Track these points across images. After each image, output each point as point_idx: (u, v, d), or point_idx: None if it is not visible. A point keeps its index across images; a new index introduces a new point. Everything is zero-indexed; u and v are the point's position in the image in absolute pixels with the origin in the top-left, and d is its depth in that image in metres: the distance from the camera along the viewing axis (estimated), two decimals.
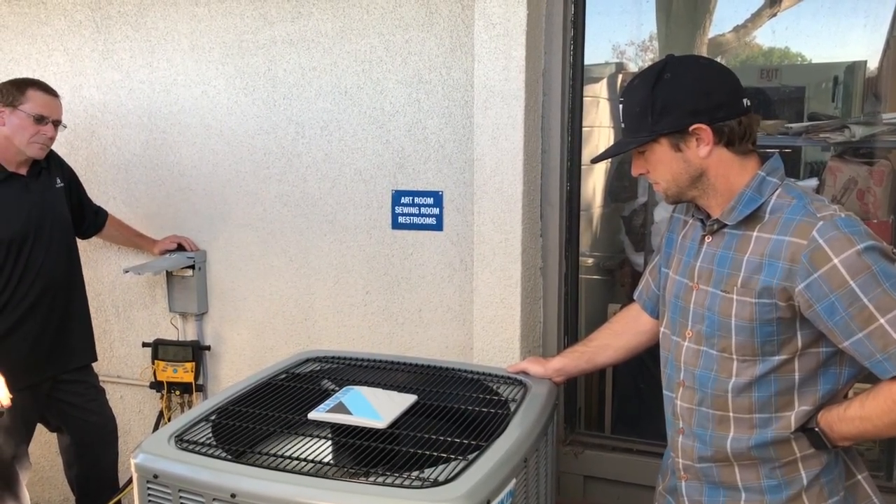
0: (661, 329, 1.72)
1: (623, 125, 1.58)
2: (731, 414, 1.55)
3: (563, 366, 1.99)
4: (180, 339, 3.09)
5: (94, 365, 2.90)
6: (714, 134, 1.48)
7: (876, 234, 1.43)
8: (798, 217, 1.44)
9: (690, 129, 1.48)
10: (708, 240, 1.59)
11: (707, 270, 1.57)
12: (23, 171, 2.63)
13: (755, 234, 1.50)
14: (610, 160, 2.86)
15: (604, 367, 2.10)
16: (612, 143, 2.86)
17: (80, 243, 2.91)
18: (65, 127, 2.72)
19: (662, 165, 1.54)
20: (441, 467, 1.53)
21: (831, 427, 1.47)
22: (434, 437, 1.68)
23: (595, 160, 1.75)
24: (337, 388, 1.94)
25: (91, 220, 2.94)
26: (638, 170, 1.60)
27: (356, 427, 1.72)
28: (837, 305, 1.39)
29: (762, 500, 1.57)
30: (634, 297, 1.93)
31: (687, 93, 1.49)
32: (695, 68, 1.52)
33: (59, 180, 2.76)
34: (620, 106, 1.59)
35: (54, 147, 2.82)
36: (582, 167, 2.49)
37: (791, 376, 1.50)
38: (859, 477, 1.60)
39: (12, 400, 2.61)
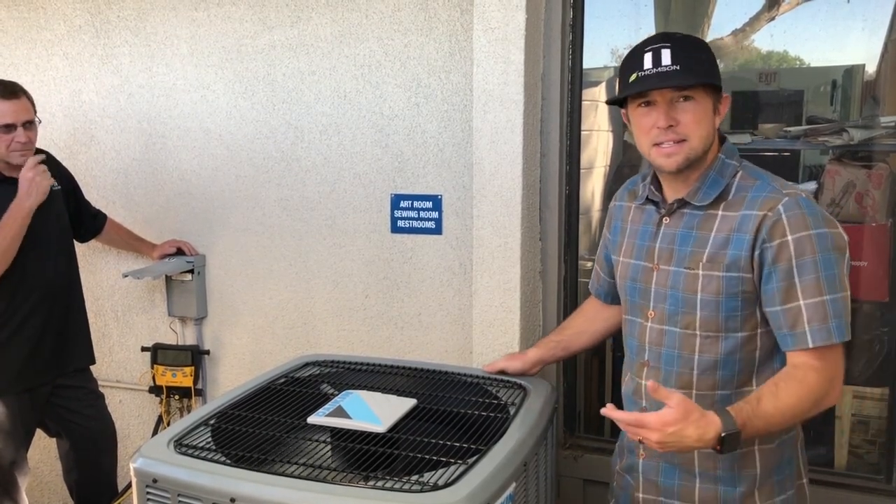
0: (622, 314, 1.78)
1: (676, 67, 1.50)
2: (693, 391, 1.59)
3: (540, 357, 2.04)
4: (179, 344, 3.09)
5: (93, 368, 2.89)
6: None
7: (834, 220, 1.51)
8: (764, 194, 1.52)
9: (723, 95, 1.57)
10: (666, 221, 1.64)
11: (668, 250, 1.62)
12: (17, 175, 2.60)
13: (720, 212, 1.56)
14: (609, 163, 2.86)
15: (578, 352, 2.20)
16: (611, 146, 2.87)
17: (79, 247, 2.91)
18: (39, 121, 2.62)
19: (705, 120, 1.54)
20: (441, 471, 1.53)
21: (745, 425, 1.41)
22: (433, 440, 1.68)
23: (621, 97, 1.60)
24: (336, 392, 1.94)
25: (89, 223, 2.92)
26: (669, 120, 1.53)
27: (355, 431, 1.72)
28: (773, 276, 1.49)
29: (715, 490, 1.61)
30: (590, 288, 2.01)
31: (718, 66, 1.58)
32: None
33: (55, 183, 2.72)
34: (666, 50, 1.51)
35: (53, 151, 2.82)
36: (581, 171, 2.49)
37: (753, 355, 1.57)
38: (804, 481, 1.66)
39: (11, 404, 2.61)
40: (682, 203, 1.61)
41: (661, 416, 1.39)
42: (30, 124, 2.56)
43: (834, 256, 1.46)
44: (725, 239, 1.54)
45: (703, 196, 1.58)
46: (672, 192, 1.64)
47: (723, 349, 1.56)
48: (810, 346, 1.46)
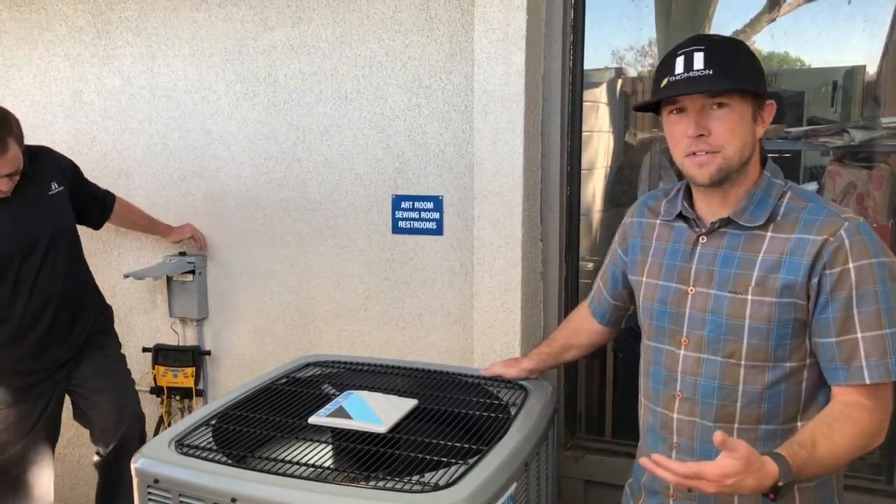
0: (644, 340, 1.66)
1: (709, 71, 1.41)
2: (735, 425, 1.49)
3: (534, 367, 2.03)
4: (180, 345, 3.09)
5: None
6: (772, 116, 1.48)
7: (888, 248, 1.43)
8: (822, 217, 1.42)
9: (768, 102, 1.47)
10: (703, 240, 1.53)
11: (706, 272, 1.51)
12: None
13: (769, 233, 1.46)
14: (610, 164, 2.86)
15: (570, 362, 2.27)
16: (612, 147, 2.87)
17: (83, 244, 2.88)
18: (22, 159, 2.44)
19: (742, 128, 1.43)
20: (442, 471, 1.54)
21: (800, 472, 1.34)
22: (435, 441, 1.68)
23: (647, 106, 1.52)
24: (337, 393, 1.95)
25: (98, 210, 2.82)
26: (699, 129, 1.43)
27: (357, 431, 1.72)
28: (831, 305, 1.40)
29: None
30: (587, 304, 1.92)
31: (762, 70, 1.49)
32: None
33: (54, 185, 2.60)
34: (699, 53, 1.42)
35: (56, 146, 2.76)
36: (582, 172, 2.49)
37: (799, 387, 1.47)
38: None
39: (20, 407, 2.57)
40: (726, 222, 1.50)
41: (721, 468, 1.28)
42: (14, 173, 2.43)
43: (893, 287, 1.38)
44: (777, 262, 1.43)
45: (750, 216, 1.47)
46: (708, 210, 1.54)
47: (769, 380, 1.46)
48: (867, 382, 1.37)
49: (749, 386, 1.48)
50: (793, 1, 2.47)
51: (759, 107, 1.46)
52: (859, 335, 1.38)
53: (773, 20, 2.49)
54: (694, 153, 1.45)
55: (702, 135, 1.43)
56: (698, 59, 1.42)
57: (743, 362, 1.47)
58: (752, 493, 1.34)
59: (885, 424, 1.42)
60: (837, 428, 1.38)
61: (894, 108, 2.40)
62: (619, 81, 2.81)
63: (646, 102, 1.53)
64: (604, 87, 2.77)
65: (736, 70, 1.42)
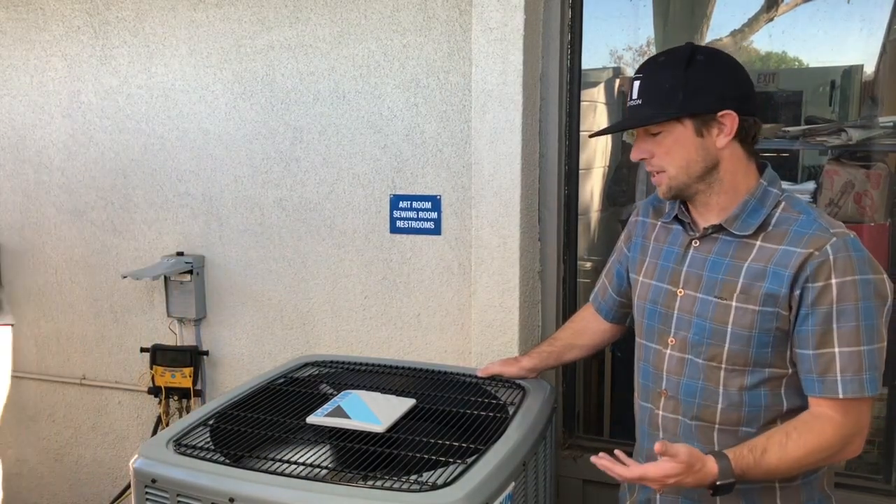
0: (637, 338, 1.69)
1: (639, 101, 1.49)
2: (716, 425, 1.52)
3: (534, 366, 2.03)
4: (178, 345, 3.09)
5: (93, 369, 2.84)
6: (738, 124, 1.46)
7: (879, 265, 1.44)
8: (810, 230, 1.44)
9: (719, 114, 1.46)
10: (695, 244, 1.56)
11: (695, 276, 1.54)
12: None
13: (759, 242, 1.48)
14: (608, 164, 2.86)
15: (571, 363, 2.26)
16: (610, 147, 2.87)
17: (79, 247, 2.86)
18: None
19: (679, 149, 1.47)
20: (440, 471, 1.54)
21: (744, 475, 1.40)
22: (433, 440, 1.68)
23: (598, 134, 1.71)
24: (335, 393, 1.94)
25: None
26: (641, 154, 1.51)
27: (355, 431, 1.72)
28: (811, 319, 1.42)
29: None
30: (591, 300, 1.94)
31: (720, 77, 1.48)
32: (725, 56, 1.52)
33: None
34: (637, 82, 1.50)
35: (51, 152, 2.70)
36: (580, 171, 2.49)
37: (780, 394, 1.50)
38: None
39: None
40: (718, 228, 1.52)
41: (663, 470, 1.36)
42: None
43: (875, 304, 1.40)
44: (761, 271, 1.45)
45: (741, 225, 1.49)
46: (699, 215, 1.57)
47: (748, 384, 1.49)
48: (840, 396, 1.40)
49: (729, 389, 1.51)
50: (790, 0, 2.47)
51: (707, 121, 1.46)
52: (836, 350, 1.40)
53: (771, 20, 2.50)
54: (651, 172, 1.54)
55: (643, 158, 1.52)
56: (635, 88, 1.50)
57: (724, 365, 1.50)
58: (694, 487, 1.44)
59: (857, 440, 1.44)
60: (794, 437, 1.41)
61: (892, 108, 2.41)
62: (617, 81, 2.82)
63: (597, 134, 1.71)
64: (602, 87, 2.77)
65: (661, 98, 1.46)
